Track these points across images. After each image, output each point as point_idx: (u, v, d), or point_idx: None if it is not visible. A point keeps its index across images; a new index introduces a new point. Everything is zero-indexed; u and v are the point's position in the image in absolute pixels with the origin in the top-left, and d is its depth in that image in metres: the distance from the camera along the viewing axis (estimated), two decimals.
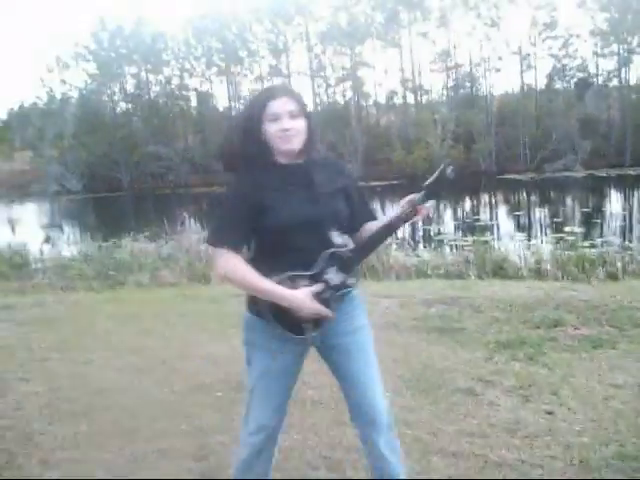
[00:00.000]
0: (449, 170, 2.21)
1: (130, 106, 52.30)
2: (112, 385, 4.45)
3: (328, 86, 50.74)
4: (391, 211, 2.50)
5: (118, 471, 3.23)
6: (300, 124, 2.30)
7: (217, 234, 2.34)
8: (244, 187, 2.32)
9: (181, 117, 51.87)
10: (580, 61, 45.88)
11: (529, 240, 15.50)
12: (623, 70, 44.38)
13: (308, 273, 2.29)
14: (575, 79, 46.24)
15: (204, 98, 52.17)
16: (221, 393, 4.17)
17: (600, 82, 45.60)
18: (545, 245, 13.27)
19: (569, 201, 28.99)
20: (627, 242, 13.55)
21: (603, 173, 36.04)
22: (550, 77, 46.53)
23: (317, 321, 2.32)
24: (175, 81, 52.58)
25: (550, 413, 3.69)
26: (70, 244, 17.10)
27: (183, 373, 4.59)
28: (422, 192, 2.25)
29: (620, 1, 41.82)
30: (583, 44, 45.25)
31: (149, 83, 52.58)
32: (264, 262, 2.30)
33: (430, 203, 2.27)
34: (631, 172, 35.20)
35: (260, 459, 2.49)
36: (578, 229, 15.35)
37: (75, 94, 52.19)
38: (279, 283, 2.25)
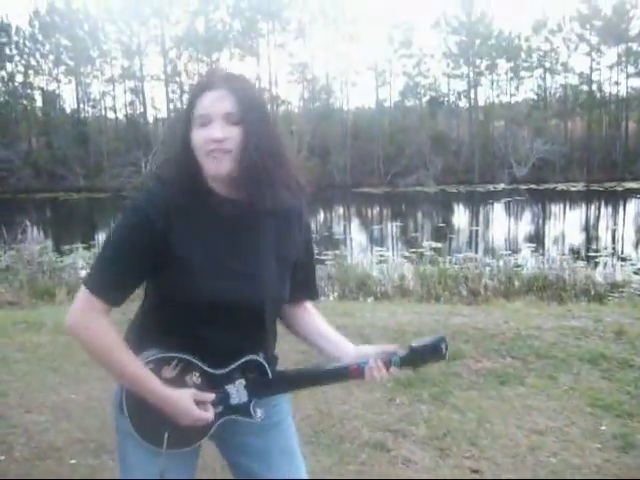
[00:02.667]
0: (444, 348, 1.68)
1: None
2: None
3: (183, 92, 49.38)
4: (346, 347, 1.74)
5: None
6: (237, 135, 1.51)
7: (92, 275, 1.57)
8: (146, 220, 1.51)
9: (24, 117, 48.65)
10: (432, 80, 47.52)
11: (386, 254, 15.42)
12: (472, 91, 46.36)
13: (208, 369, 1.59)
14: (427, 97, 47.81)
15: (50, 98, 49.20)
16: (75, 460, 3.30)
17: (451, 101, 47.50)
18: (403, 260, 13.23)
19: (422, 215, 29.78)
20: (486, 257, 13.68)
21: (453, 189, 37.39)
22: (403, 94, 47.83)
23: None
24: (19, 78, 49.27)
25: (476, 471, 3.24)
26: None
27: (26, 432, 3.64)
28: (405, 352, 1.66)
29: (469, 26, 43.76)
30: (436, 64, 46.87)
31: None
32: (150, 329, 1.61)
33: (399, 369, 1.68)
34: (480, 189, 36.82)
35: None
36: (435, 244, 15.42)
37: None
38: (153, 364, 1.55)
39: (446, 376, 4.50)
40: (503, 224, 25.98)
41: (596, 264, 12.88)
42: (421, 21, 60.43)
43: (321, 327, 1.79)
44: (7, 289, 9.61)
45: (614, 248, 17.37)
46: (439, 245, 14.87)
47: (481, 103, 47.14)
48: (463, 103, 47.71)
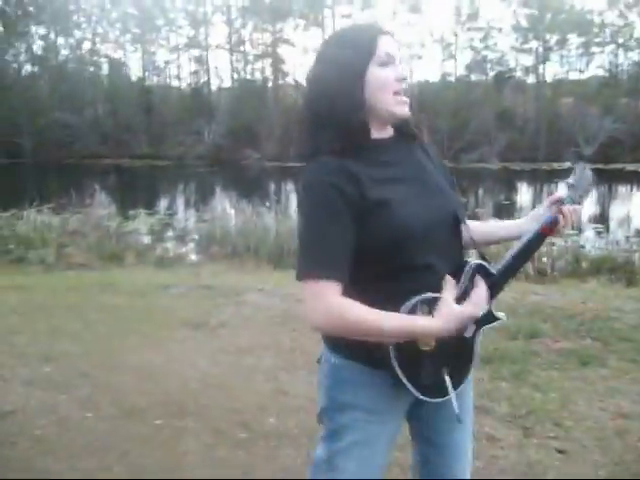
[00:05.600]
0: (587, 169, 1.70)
1: (36, 69, 49.35)
2: (20, 405, 3.53)
3: (247, 62, 49.45)
4: (525, 216, 1.80)
5: None
6: None
7: (308, 263, 1.48)
8: (333, 185, 1.46)
9: (91, 84, 49.41)
10: (499, 54, 46.38)
11: None
12: (540, 66, 45.15)
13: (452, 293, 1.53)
14: (494, 72, 46.72)
15: (116, 66, 49.84)
16: (161, 420, 3.33)
17: (518, 77, 46.31)
18: None
19: (484, 192, 29.30)
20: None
21: (517, 166, 36.62)
22: (469, 68, 46.87)
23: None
24: (86, 46, 50.01)
25: (562, 452, 3.13)
26: None
27: (111, 391, 3.70)
28: (567, 190, 1.65)
29: None
30: (503, 38, 45.67)
31: (58, 46, 49.73)
32: (368, 289, 1.49)
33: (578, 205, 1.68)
34: (544, 167, 35.98)
35: None
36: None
37: None
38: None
39: (525, 354, 4.42)
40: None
41: None
42: None
43: (490, 223, 1.87)
44: (77, 251, 9.79)
45: None
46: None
47: (549, 79, 45.93)
48: (530, 79, 46.52)
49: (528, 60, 45.74)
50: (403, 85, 1.54)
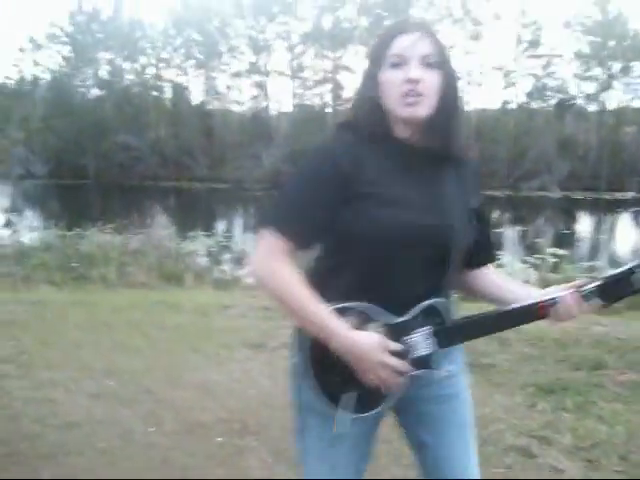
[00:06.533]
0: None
1: (103, 92, 50.86)
2: (85, 417, 3.61)
3: (307, 88, 49.92)
4: (533, 291, 1.63)
5: None
6: (434, 79, 1.49)
7: (273, 214, 1.52)
8: (334, 158, 1.48)
9: (154, 108, 50.60)
10: (560, 82, 45.81)
11: (505, 259, 14.88)
12: (602, 94, 44.40)
13: (391, 317, 1.49)
14: (555, 99, 46.13)
15: (179, 90, 50.95)
16: (222, 438, 3.36)
17: (579, 104, 45.61)
18: (523, 266, 12.72)
19: (544, 220, 28.79)
20: (612, 267, 13.00)
21: (578, 195, 35.96)
22: (530, 96, 46.38)
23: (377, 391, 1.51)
24: (150, 70, 51.30)
25: None
26: (31, 230, 16.03)
27: (173, 407, 3.75)
28: (596, 283, 1.51)
29: (603, 25, 41.93)
30: (565, 65, 45.11)
31: (123, 70, 51.12)
32: (321, 277, 1.51)
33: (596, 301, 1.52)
34: (606, 196, 35.25)
35: None
36: (558, 251, 14.77)
37: (47, 76, 50.55)
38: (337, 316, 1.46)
39: (589, 386, 4.31)
40: (630, 234, 24.75)
41: None
42: (551, 20, 58.25)
43: (505, 281, 1.72)
44: (137, 270, 9.96)
45: None
46: (562, 252, 14.27)
47: (612, 107, 45.12)
48: (593, 107, 45.76)
49: (590, 87, 45.02)
50: (414, 86, 1.46)
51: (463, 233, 1.55)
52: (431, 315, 1.51)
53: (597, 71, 43.96)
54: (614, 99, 45.60)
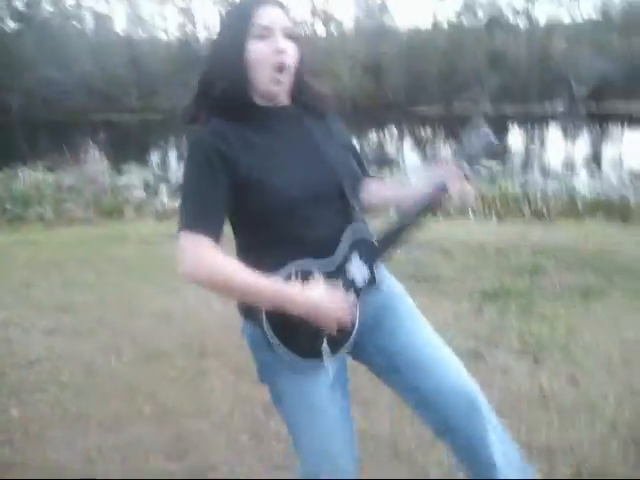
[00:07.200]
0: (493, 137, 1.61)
1: (21, 25, 48.42)
2: (44, 354, 3.62)
3: None
4: (418, 176, 1.69)
5: (70, 474, 2.48)
6: (295, 51, 1.57)
7: (184, 216, 1.52)
8: (214, 146, 1.51)
9: (77, 39, 48.56)
10: None
11: None
12: (531, 7, 44.55)
13: (327, 266, 1.56)
14: (485, 17, 46.09)
15: (101, 20, 48.96)
16: (184, 362, 3.43)
17: (509, 20, 45.73)
18: None
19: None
20: (544, 179, 13.33)
21: (509, 108, 36.40)
22: (460, 13, 46.22)
23: (338, 335, 1.58)
24: (69, 0, 49.03)
25: (573, 381, 3.20)
26: None
27: (132, 336, 3.79)
28: (461, 153, 1.61)
29: None
30: None
31: (41, 1, 48.68)
32: (250, 256, 1.56)
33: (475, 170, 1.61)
34: (537, 109, 35.83)
35: None
36: (495, 166, 15.03)
37: None
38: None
39: (530, 289, 4.52)
40: (560, 145, 25.28)
41: None
42: None
43: (392, 183, 1.88)
44: (75, 207, 9.77)
45: None
46: (495, 166, 14.52)
47: (542, 23, 45.30)
48: (523, 23, 45.82)
49: (519, 3, 45.17)
50: (282, 58, 1.53)
51: (345, 163, 1.66)
52: (355, 243, 1.60)
53: None
54: (544, 16, 45.84)
